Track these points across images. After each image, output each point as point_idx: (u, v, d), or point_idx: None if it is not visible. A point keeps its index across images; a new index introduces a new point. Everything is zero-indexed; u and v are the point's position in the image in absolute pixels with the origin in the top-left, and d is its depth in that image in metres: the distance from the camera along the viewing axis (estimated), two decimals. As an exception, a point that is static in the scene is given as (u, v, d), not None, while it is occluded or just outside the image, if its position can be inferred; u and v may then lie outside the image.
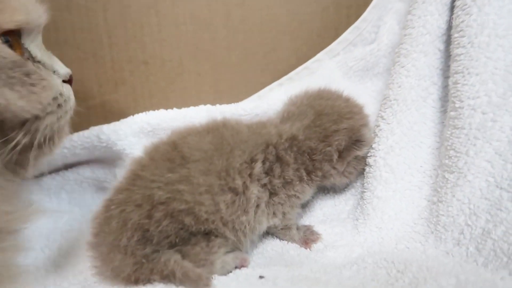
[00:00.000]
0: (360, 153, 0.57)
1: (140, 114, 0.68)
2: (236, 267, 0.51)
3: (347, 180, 0.60)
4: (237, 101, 0.77)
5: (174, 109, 0.69)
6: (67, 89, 0.44)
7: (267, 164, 0.52)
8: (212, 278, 0.45)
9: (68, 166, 0.69)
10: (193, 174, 0.47)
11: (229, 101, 0.77)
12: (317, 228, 0.58)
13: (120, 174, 0.66)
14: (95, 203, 0.70)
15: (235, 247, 0.51)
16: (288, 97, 0.62)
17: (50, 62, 0.43)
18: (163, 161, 0.50)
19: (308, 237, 0.56)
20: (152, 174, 0.49)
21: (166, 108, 0.73)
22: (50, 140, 0.43)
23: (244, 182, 0.50)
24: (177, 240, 0.47)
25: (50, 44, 0.50)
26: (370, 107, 0.68)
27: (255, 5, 0.74)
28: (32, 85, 0.39)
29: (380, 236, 0.53)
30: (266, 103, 0.66)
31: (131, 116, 0.68)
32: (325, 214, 0.61)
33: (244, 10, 0.74)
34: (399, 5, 0.70)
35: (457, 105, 0.49)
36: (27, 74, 0.39)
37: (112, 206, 0.48)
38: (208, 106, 0.68)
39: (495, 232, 0.42)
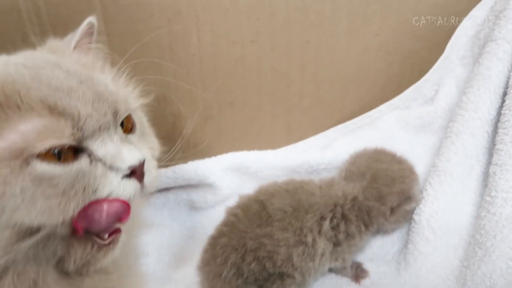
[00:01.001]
0: (408, 208, 0.70)
1: (229, 154, 0.85)
2: None
3: (396, 227, 0.73)
4: (305, 138, 0.91)
5: (255, 151, 0.85)
6: (126, 186, 0.37)
7: (334, 221, 0.66)
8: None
9: (169, 189, 0.88)
10: (275, 231, 0.64)
11: (298, 139, 0.91)
12: (366, 265, 0.73)
13: (211, 199, 0.85)
14: (189, 220, 0.89)
15: (301, 284, 0.67)
16: (350, 155, 0.74)
17: (112, 159, 0.37)
18: (254, 217, 0.66)
19: (358, 274, 0.71)
20: (245, 227, 0.65)
21: (246, 142, 0.89)
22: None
23: (314, 238, 0.65)
24: (260, 277, 0.64)
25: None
26: (422, 158, 0.80)
27: (327, 61, 0.84)
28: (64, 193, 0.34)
29: (418, 282, 0.67)
30: (332, 154, 0.79)
31: (220, 155, 0.85)
32: (373, 253, 0.75)
33: (317, 64, 0.85)
34: (460, 70, 0.78)
35: (492, 194, 0.60)
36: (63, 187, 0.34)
37: (218, 246, 0.66)
38: (284, 153, 0.83)
39: (506, 307, 0.54)
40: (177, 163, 0.88)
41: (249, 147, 0.91)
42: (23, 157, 0.32)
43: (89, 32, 0.49)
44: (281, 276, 0.64)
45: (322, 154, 0.80)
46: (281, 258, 0.63)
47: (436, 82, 0.80)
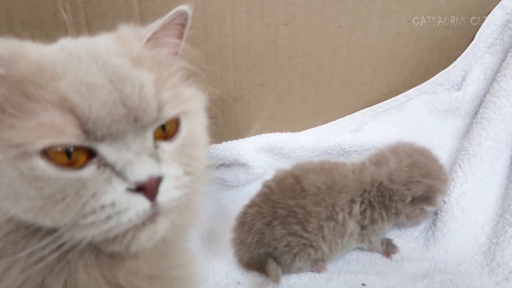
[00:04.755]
0: (426, 208, 0.71)
1: (262, 135, 0.87)
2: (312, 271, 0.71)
3: (409, 223, 0.76)
4: (332, 120, 0.94)
5: (288, 133, 0.87)
6: (131, 200, 0.33)
7: (363, 206, 0.71)
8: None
9: (201, 167, 0.91)
10: (308, 204, 0.67)
11: (326, 120, 0.94)
12: (396, 241, 0.78)
13: (243, 178, 0.88)
14: (220, 197, 0.93)
15: (321, 259, 0.71)
16: (394, 143, 0.76)
17: (123, 168, 0.33)
18: (287, 190, 0.70)
19: (389, 250, 0.76)
20: (278, 198, 0.69)
21: (274, 123, 0.91)
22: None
23: (344, 217, 0.69)
24: (279, 246, 0.67)
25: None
26: (447, 142, 0.84)
27: (360, 45, 0.87)
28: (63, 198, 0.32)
29: (446, 257, 0.72)
30: (363, 137, 0.83)
31: (254, 136, 0.88)
32: (402, 230, 0.80)
33: (349, 48, 0.87)
34: (488, 57, 0.81)
35: (523, 177, 0.65)
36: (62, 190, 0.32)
37: (247, 215, 0.71)
38: (316, 135, 0.86)
39: (535, 279, 0.60)
40: (210, 144, 0.91)
41: (277, 128, 0.94)
42: (22, 149, 0.31)
43: (175, 24, 0.43)
44: (310, 246, 0.68)
45: (353, 137, 0.83)
46: (312, 227, 0.67)
47: (464, 69, 0.84)
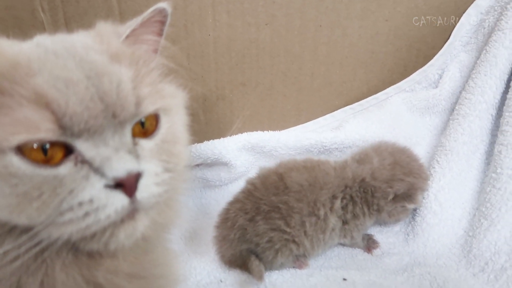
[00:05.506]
0: (407, 206, 0.73)
1: (244, 134, 0.88)
2: (294, 267, 0.72)
3: (391, 220, 0.77)
4: (313, 119, 0.95)
5: (270, 131, 0.88)
6: (109, 196, 0.33)
7: (344, 201, 0.72)
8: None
9: (184, 167, 0.91)
10: (290, 200, 0.68)
11: (307, 119, 0.95)
12: (376, 237, 0.79)
13: (225, 177, 0.88)
14: (203, 196, 0.93)
15: (302, 254, 0.72)
16: (376, 142, 0.77)
17: (100, 164, 0.33)
18: (271, 187, 0.70)
19: (370, 245, 0.77)
20: (261, 195, 0.70)
21: (256, 122, 0.92)
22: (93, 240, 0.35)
23: (325, 213, 0.69)
24: (261, 242, 0.68)
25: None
26: (426, 139, 0.86)
27: (339, 44, 0.88)
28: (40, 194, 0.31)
29: (425, 251, 0.73)
30: (344, 134, 0.84)
31: (236, 135, 0.88)
32: (382, 226, 0.82)
33: (330, 47, 0.88)
34: (464, 56, 0.83)
35: (498, 171, 0.67)
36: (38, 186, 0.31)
37: (230, 211, 0.71)
38: (297, 133, 0.86)
39: (509, 270, 0.62)
40: (192, 143, 0.91)
41: (259, 127, 0.95)
42: None
43: (154, 21, 0.43)
44: (292, 241, 0.68)
45: (334, 134, 0.84)
46: (295, 222, 0.68)
47: (441, 67, 0.86)
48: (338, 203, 0.71)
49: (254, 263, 0.67)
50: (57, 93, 0.32)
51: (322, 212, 0.69)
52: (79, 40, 0.39)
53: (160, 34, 0.45)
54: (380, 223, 0.81)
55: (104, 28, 0.43)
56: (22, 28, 0.79)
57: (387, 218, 0.75)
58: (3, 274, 0.33)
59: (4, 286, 0.33)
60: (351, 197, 0.72)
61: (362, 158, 0.75)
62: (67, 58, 0.35)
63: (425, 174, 0.74)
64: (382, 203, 0.73)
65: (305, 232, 0.69)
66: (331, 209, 0.70)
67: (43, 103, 0.31)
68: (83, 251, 0.36)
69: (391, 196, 0.72)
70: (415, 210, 0.77)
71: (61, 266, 0.35)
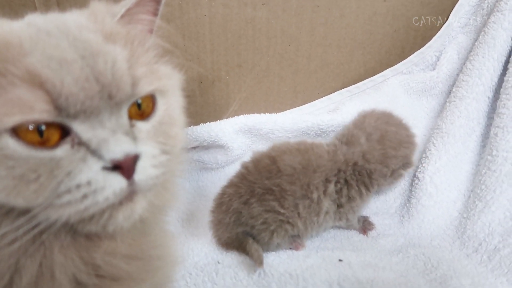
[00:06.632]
0: (405, 173, 0.75)
1: (241, 116, 0.87)
2: (291, 248, 0.73)
3: (389, 187, 0.80)
4: (310, 101, 0.94)
5: (267, 114, 0.87)
6: (107, 178, 0.32)
7: (338, 185, 0.72)
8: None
9: (180, 149, 0.90)
10: (283, 183, 0.68)
11: (304, 101, 0.94)
12: (372, 219, 0.80)
13: (222, 160, 0.88)
14: (199, 179, 0.93)
15: (297, 235, 0.72)
16: (358, 114, 0.77)
17: (97, 146, 0.32)
18: (264, 170, 0.70)
19: (366, 227, 0.78)
20: (255, 178, 0.70)
21: (252, 104, 0.91)
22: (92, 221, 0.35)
23: (319, 196, 0.70)
24: (256, 224, 0.68)
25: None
26: (422, 121, 0.86)
27: (337, 25, 0.87)
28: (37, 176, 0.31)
29: (420, 232, 0.74)
30: (341, 117, 0.83)
31: (232, 118, 0.87)
32: (378, 208, 0.82)
33: (327, 28, 0.87)
34: (462, 37, 0.83)
35: (493, 153, 0.67)
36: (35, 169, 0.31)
37: (225, 195, 0.71)
38: (294, 116, 0.86)
39: (503, 250, 0.63)
40: (188, 125, 0.90)
41: (256, 109, 0.94)
42: None
43: (149, 0, 0.42)
44: (287, 222, 0.69)
45: (331, 117, 0.84)
46: (288, 203, 0.68)
47: (439, 49, 0.85)
48: (332, 188, 0.71)
49: (253, 247, 0.67)
50: (51, 72, 0.31)
51: (315, 195, 0.69)
52: (73, 19, 0.37)
53: (155, 13, 0.43)
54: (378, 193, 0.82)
55: (98, 7, 0.41)
56: (13, 7, 0.77)
57: (386, 187, 0.78)
58: (1, 256, 0.33)
59: (3, 268, 0.33)
60: (346, 180, 0.72)
61: (349, 140, 0.74)
62: (60, 37, 0.34)
63: (412, 135, 0.74)
64: (382, 181, 0.74)
65: (298, 214, 0.69)
66: (324, 192, 0.71)
67: (37, 82, 0.31)
68: (81, 233, 0.36)
69: (389, 174, 0.73)
70: (410, 191, 0.78)
71: (59, 248, 0.35)
